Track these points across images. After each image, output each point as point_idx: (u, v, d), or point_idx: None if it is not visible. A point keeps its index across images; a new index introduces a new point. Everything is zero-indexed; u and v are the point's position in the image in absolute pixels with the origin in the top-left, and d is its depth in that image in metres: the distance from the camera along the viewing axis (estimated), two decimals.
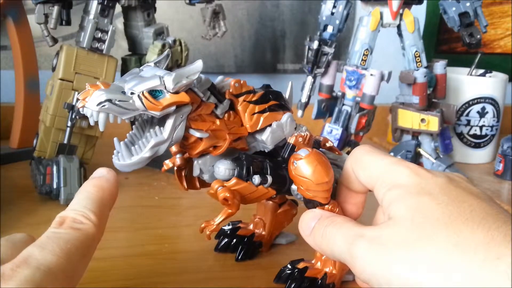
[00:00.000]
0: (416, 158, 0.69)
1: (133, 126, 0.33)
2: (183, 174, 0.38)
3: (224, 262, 0.43)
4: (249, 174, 0.35)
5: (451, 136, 0.74)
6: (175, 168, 0.38)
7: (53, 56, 0.59)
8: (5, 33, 0.68)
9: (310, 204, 0.36)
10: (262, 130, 0.36)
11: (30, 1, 0.56)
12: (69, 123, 0.57)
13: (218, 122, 0.34)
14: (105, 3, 0.57)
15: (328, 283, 0.38)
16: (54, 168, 0.54)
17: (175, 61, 0.64)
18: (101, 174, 0.32)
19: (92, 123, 0.30)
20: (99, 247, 0.42)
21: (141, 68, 0.32)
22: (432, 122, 0.65)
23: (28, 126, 0.68)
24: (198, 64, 0.32)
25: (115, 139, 0.31)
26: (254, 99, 0.36)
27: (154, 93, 0.30)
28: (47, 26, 0.56)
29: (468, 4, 0.64)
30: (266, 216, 0.44)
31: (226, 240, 0.44)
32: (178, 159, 0.38)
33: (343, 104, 0.66)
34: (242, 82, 0.36)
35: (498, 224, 0.26)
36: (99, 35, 0.57)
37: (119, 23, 0.69)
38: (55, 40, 0.58)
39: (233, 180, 0.35)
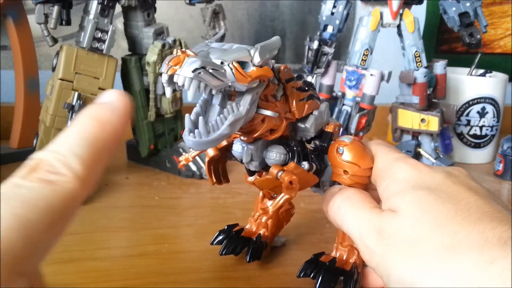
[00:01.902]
0: (416, 158, 0.68)
1: (196, 106, 0.31)
2: (212, 167, 0.38)
3: (224, 262, 0.43)
4: (300, 160, 0.36)
5: (451, 136, 0.74)
6: (207, 160, 0.38)
7: (53, 56, 0.59)
8: (5, 33, 0.68)
9: None
10: (305, 118, 0.36)
11: (30, 1, 0.56)
12: (69, 123, 0.57)
13: (278, 104, 0.33)
14: (105, 3, 0.57)
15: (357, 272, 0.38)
16: None
17: None
18: (106, 100, 0.22)
19: (168, 94, 0.28)
20: (99, 247, 0.42)
21: (206, 43, 0.31)
22: (432, 122, 0.65)
23: (28, 126, 0.68)
24: (277, 40, 0.31)
25: (186, 115, 0.29)
26: (298, 86, 0.36)
27: (241, 65, 0.29)
28: (47, 26, 0.56)
29: (468, 4, 0.64)
30: (268, 216, 0.44)
31: (230, 243, 0.43)
32: (211, 150, 0.37)
33: (343, 104, 0.66)
34: (288, 68, 0.35)
35: (493, 225, 0.26)
36: (99, 35, 0.57)
37: (119, 23, 0.69)
38: (55, 40, 0.58)
39: (292, 164, 0.35)
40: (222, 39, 0.33)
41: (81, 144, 0.19)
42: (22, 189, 0.18)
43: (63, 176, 0.19)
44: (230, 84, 0.29)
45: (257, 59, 0.29)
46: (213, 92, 0.29)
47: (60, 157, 0.19)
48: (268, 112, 0.32)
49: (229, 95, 0.31)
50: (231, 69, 0.29)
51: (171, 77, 0.27)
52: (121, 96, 0.21)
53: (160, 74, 0.28)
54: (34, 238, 0.17)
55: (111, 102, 0.21)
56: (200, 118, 0.29)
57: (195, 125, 0.29)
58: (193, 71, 0.27)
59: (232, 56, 0.29)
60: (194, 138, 0.29)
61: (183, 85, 0.27)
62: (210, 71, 0.27)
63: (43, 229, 0.18)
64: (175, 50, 0.28)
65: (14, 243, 0.17)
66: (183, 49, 0.28)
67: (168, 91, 0.29)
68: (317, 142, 0.38)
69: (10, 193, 0.18)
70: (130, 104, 0.22)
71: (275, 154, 0.35)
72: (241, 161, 0.36)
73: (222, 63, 0.29)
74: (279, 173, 0.34)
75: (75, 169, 0.19)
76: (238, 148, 0.36)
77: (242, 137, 0.35)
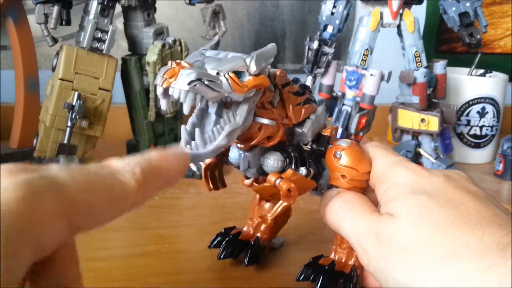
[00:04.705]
0: (416, 158, 0.69)
1: (192, 115, 0.30)
2: (209, 173, 0.38)
3: (224, 262, 0.43)
4: (297, 165, 0.35)
5: (451, 136, 0.74)
6: (203, 166, 0.38)
7: (53, 56, 0.59)
8: (5, 33, 0.68)
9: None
10: (302, 122, 0.36)
11: (30, 1, 0.56)
12: (69, 123, 0.57)
13: (274, 111, 0.33)
14: (105, 3, 0.57)
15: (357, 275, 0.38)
16: None
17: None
18: (172, 149, 0.28)
19: (163, 106, 0.28)
20: (99, 247, 0.42)
21: (201, 51, 0.31)
22: (432, 122, 0.65)
23: (28, 126, 0.68)
24: (273, 47, 0.31)
25: (182, 127, 0.29)
26: (294, 90, 0.35)
27: (237, 75, 0.29)
28: (47, 26, 0.56)
29: (468, 4, 0.64)
30: (265, 218, 0.44)
31: (228, 247, 0.42)
32: None
33: (343, 104, 0.66)
34: (284, 72, 0.35)
35: (492, 230, 0.26)
36: (99, 35, 0.57)
37: (119, 23, 0.69)
38: (55, 40, 0.58)
39: (290, 172, 0.34)
40: (216, 46, 0.33)
41: (146, 164, 0.24)
42: (93, 167, 0.23)
43: (126, 177, 0.23)
44: (226, 94, 0.29)
45: (253, 68, 0.29)
46: (209, 103, 0.29)
47: (128, 165, 0.24)
48: (265, 121, 0.32)
49: (225, 102, 0.31)
50: (227, 79, 0.28)
51: (166, 90, 0.27)
52: (183, 152, 0.28)
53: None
54: (92, 199, 0.21)
55: (176, 153, 0.27)
56: (197, 129, 0.29)
57: (191, 136, 0.29)
58: (188, 84, 0.26)
59: (228, 66, 0.29)
60: (191, 150, 0.29)
61: (178, 98, 0.27)
62: (206, 82, 0.27)
63: (102, 199, 0.22)
64: (169, 62, 0.28)
65: (76, 193, 0.20)
66: (178, 61, 0.28)
67: (164, 104, 0.28)
68: (314, 146, 0.38)
69: (84, 166, 0.22)
70: (187, 162, 0.27)
71: (272, 161, 0.35)
72: (238, 167, 0.36)
73: (218, 73, 0.28)
74: (277, 181, 0.34)
75: (136, 174, 0.23)
76: (234, 154, 0.36)
77: (239, 145, 0.35)
